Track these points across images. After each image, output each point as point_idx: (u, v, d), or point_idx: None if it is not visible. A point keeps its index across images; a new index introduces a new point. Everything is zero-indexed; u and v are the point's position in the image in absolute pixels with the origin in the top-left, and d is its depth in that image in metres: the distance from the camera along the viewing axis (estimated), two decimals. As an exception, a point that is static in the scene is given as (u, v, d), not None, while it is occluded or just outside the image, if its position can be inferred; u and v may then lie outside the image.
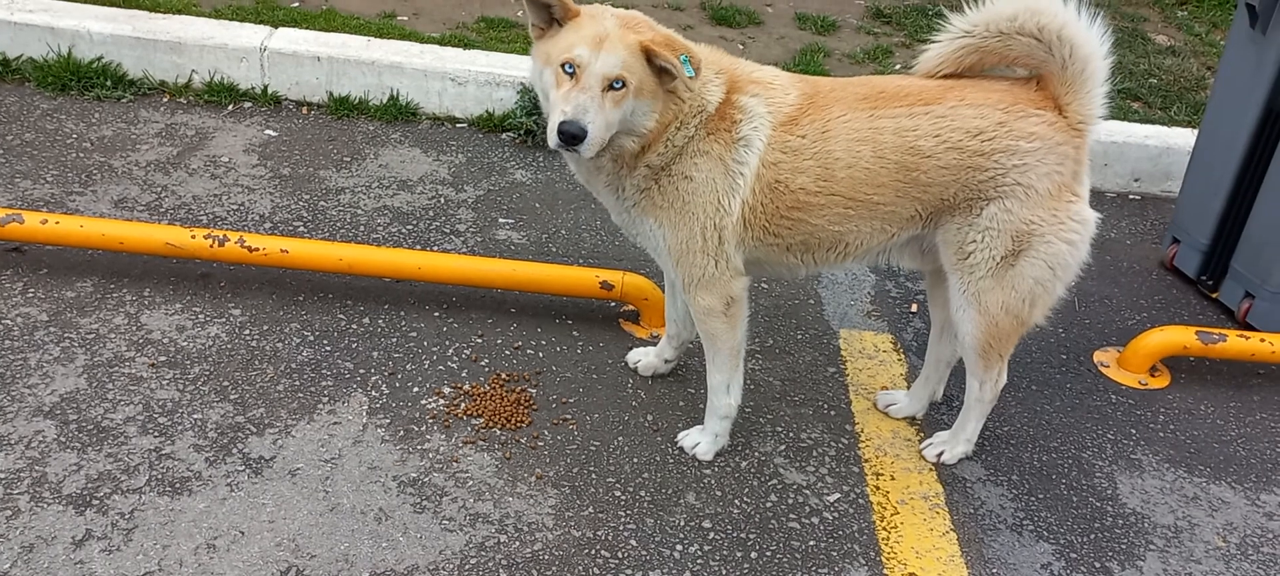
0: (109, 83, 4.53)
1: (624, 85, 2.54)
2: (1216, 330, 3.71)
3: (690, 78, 2.59)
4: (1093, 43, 2.70)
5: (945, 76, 2.83)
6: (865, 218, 2.79)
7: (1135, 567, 2.93)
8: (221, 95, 4.61)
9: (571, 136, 2.50)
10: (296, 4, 5.18)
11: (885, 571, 2.80)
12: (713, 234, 2.78)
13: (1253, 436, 3.48)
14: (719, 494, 2.97)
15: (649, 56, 2.54)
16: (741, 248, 2.84)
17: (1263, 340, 3.69)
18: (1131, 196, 4.91)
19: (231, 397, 3.06)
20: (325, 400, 3.10)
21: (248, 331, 3.32)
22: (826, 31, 5.75)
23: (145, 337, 3.24)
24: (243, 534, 2.65)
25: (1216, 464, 3.34)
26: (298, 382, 3.15)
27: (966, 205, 2.77)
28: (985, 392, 3.09)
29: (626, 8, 2.77)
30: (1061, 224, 2.77)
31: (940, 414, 3.37)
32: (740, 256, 2.85)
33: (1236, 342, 3.67)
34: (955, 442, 3.20)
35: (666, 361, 3.37)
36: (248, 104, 4.64)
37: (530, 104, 4.64)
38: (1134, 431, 3.44)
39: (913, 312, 3.88)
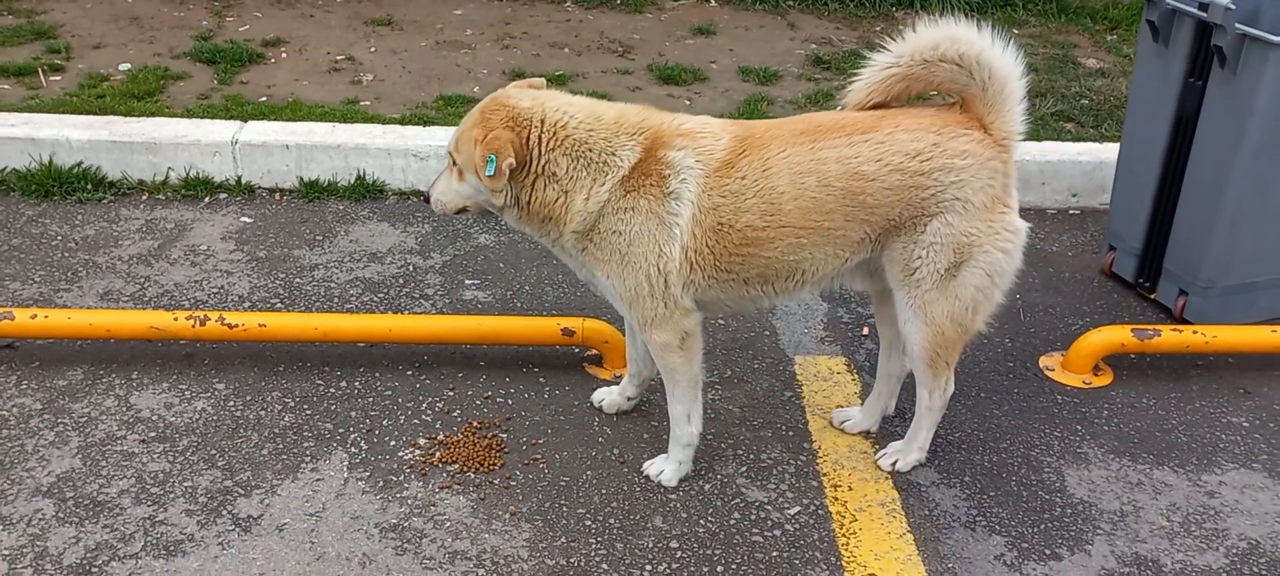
0: (89, 186, 4.75)
1: (455, 163, 2.97)
2: (1151, 326, 3.93)
3: (489, 177, 2.86)
4: (1009, 65, 2.93)
5: (875, 107, 3.05)
6: (818, 244, 2.98)
7: (1084, 551, 3.10)
8: (197, 189, 4.83)
9: (422, 195, 3.23)
10: (263, 98, 5.44)
11: (846, 573, 2.97)
12: (658, 279, 2.96)
13: (1193, 423, 3.67)
14: (684, 515, 3.14)
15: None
16: (690, 288, 3.01)
17: (1195, 332, 3.91)
18: (1071, 211, 5.15)
19: (219, 464, 3.23)
20: (308, 460, 3.27)
21: (232, 403, 3.50)
22: (769, 81, 6.04)
23: (135, 416, 3.42)
24: (235, 587, 2.81)
25: (1159, 451, 3.53)
26: (281, 446, 3.32)
27: (911, 223, 2.96)
28: (934, 401, 3.28)
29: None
30: (996, 234, 2.99)
31: (893, 426, 3.56)
32: (689, 295, 3.03)
33: (1171, 336, 3.89)
34: (909, 451, 3.38)
35: (629, 398, 3.55)
36: (223, 195, 4.86)
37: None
38: (1079, 427, 3.63)
39: (864, 336, 4.08)
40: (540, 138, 2.89)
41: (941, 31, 2.91)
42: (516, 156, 2.85)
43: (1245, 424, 3.68)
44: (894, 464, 3.38)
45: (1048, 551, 3.08)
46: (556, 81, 5.88)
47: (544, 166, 2.91)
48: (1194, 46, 4.00)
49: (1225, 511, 3.27)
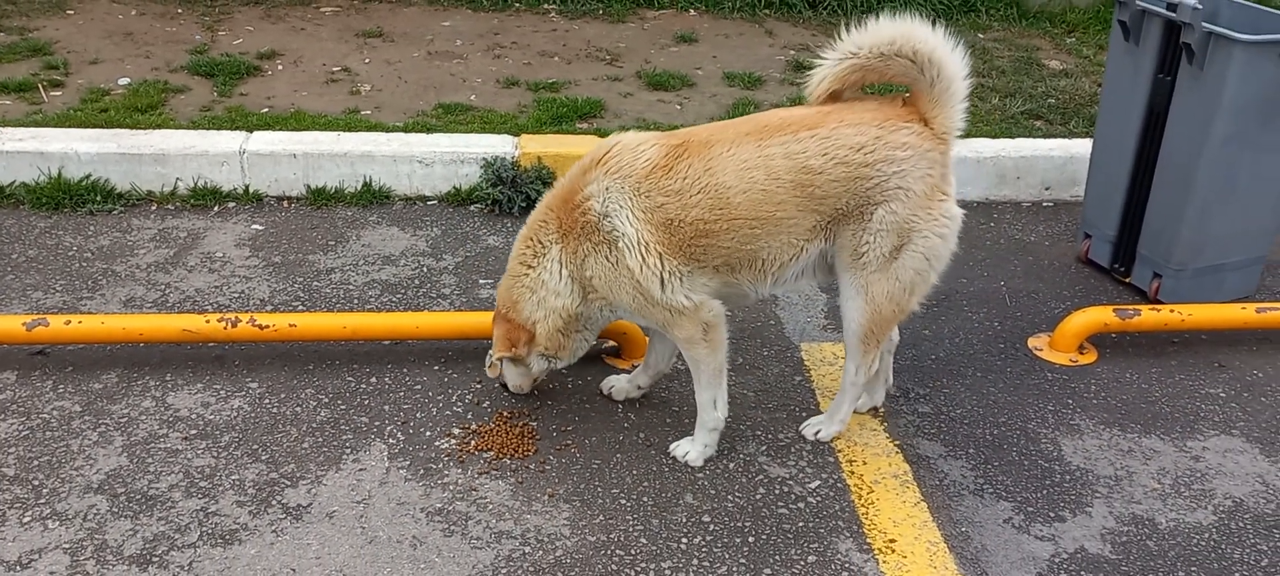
0: (99, 198, 4.82)
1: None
2: (1131, 306, 4.18)
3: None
4: (956, 65, 3.16)
5: (831, 96, 3.24)
6: (772, 234, 3.17)
7: (1085, 513, 3.32)
8: (206, 198, 4.92)
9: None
10: (265, 109, 5.53)
11: (868, 540, 3.16)
12: (642, 289, 3.17)
13: (1174, 395, 3.92)
14: (713, 492, 3.31)
15: None
16: (674, 279, 3.17)
17: (1172, 311, 4.16)
18: (1045, 204, 5.42)
19: (263, 458, 3.34)
20: (348, 451, 3.39)
21: (267, 400, 3.61)
22: (753, 86, 6.25)
23: (174, 416, 3.52)
24: (295, 571, 2.92)
25: (1145, 421, 3.77)
26: (321, 439, 3.44)
27: (858, 212, 3.16)
28: (859, 376, 3.46)
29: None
30: (934, 220, 3.21)
31: (900, 404, 3.76)
32: (682, 290, 3.19)
33: (1150, 315, 4.14)
34: (830, 422, 3.57)
35: (639, 387, 3.71)
36: (232, 204, 4.96)
37: (494, 177, 5.02)
38: (1070, 401, 3.86)
39: (864, 322, 4.29)
40: (503, 303, 3.42)
41: (899, 28, 3.11)
42: (514, 343, 3.37)
43: (1222, 394, 3.94)
44: (817, 433, 3.58)
45: (1052, 514, 3.30)
46: (550, 89, 6.05)
47: (518, 314, 3.36)
48: (1163, 44, 4.26)
49: (1210, 474, 3.52)
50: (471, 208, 5.03)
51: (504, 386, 3.61)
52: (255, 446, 3.39)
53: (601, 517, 3.18)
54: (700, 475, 3.38)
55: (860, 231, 3.19)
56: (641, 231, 3.11)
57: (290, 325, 3.73)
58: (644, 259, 3.13)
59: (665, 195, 3.11)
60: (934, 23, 3.15)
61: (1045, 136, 5.69)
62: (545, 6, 7.53)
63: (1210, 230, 4.33)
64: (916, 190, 3.15)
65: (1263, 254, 4.54)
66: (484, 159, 5.05)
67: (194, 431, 3.45)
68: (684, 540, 3.11)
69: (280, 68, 6.19)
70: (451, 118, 5.53)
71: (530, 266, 3.30)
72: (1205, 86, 4.10)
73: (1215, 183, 4.22)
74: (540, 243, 3.28)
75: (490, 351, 3.46)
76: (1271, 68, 4.02)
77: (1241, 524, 3.30)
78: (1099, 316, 4.14)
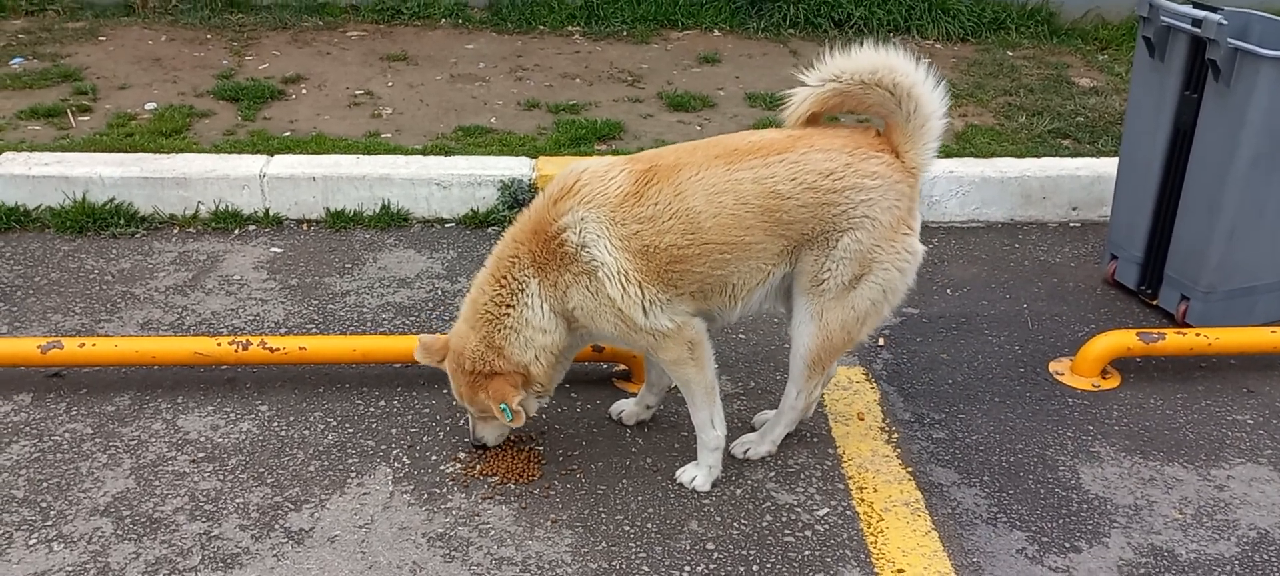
0: (122, 221, 4.89)
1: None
2: (1156, 330, 4.08)
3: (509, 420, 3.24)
4: (935, 103, 3.10)
5: (810, 119, 3.20)
6: (742, 258, 3.13)
7: (1102, 543, 3.23)
8: (227, 221, 4.98)
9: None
10: (288, 133, 5.60)
11: (876, 569, 3.09)
12: (625, 317, 3.12)
13: (1200, 421, 3.82)
14: (718, 519, 3.26)
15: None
16: (655, 307, 3.13)
17: (1198, 334, 4.06)
18: (1072, 224, 5.32)
19: (268, 482, 3.35)
20: (354, 475, 3.39)
21: (276, 423, 3.63)
22: (774, 106, 6.20)
23: (184, 438, 3.54)
24: (293, 596, 2.93)
25: (1169, 448, 3.67)
26: (327, 463, 3.45)
27: (824, 238, 3.12)
28: (799, 401, 3.41)
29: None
30: (897, 253, 3.16)
31: (914, 430, 3.69)
32: (665, 315, 3.15)
33: (1175, 339, 4.03)
34: (761, 443, 3.54)
35: (648, 407, 3.68)
36: (252, 227, 5.01)
37: (511, 199, 5.03)
38: (1091, 428, 3.77)
39: (880, 347, 4.23)
40: (478, 360, 3.23)
41: (882, 58, 3.06)
42: (515, 387, 3.21)
43: (1250, 421, 3.82)
44: (746, 451, 3.53)
45: (1067, 544, 3.22)
46: (570, 110, 6.06)
47: (508, 361, 3.21)
48: (1189, 61, 4.17)
49: (1234, 503, 3.41)
50: (489, 230, 5.04)
51: (481, 447, 3.46)
52: (261, 469, 3.41)
53: (604, 544, 3.15)
54: (706, 501, 3.34)
55: (823, 258, 3.15)
56: (620, 260, 3.07)
57: (300, 348, 3.75)
58: (624, 287, 3.09)
59: (639, 222, 3.07)
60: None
61: (1073, 155, 5.59)
62: (569, 29, 7.56)
63: (1239, 252, 4.22)
64: (882, 221, 3.11)
65: (1296, 276, 4.41)
66: (501, 181, 5.06)
67: (202, 454, 3.47)
68: (687, 568, 3.07)
69: (304, 91, 6.27)
70: (471, 140, 5.56)
71: (509, 307, 3.18)
72: (1232, 104, 4.00)
73: (1244, 203, 4.12)
74: (516, 280, 3.17)
75: (486, 410, 3.26)
76: (1300, 85, 3.91)
77: (1266, 556, 3.19)
78: (1122, 340, 4.04)
